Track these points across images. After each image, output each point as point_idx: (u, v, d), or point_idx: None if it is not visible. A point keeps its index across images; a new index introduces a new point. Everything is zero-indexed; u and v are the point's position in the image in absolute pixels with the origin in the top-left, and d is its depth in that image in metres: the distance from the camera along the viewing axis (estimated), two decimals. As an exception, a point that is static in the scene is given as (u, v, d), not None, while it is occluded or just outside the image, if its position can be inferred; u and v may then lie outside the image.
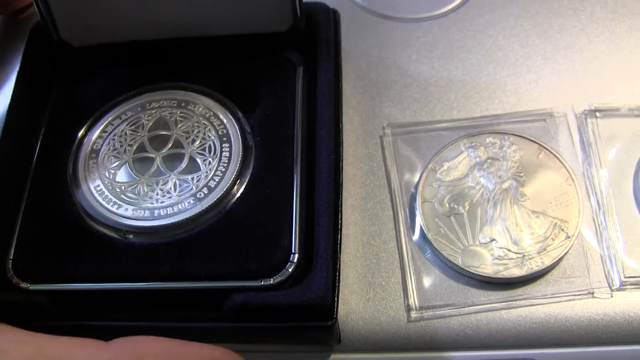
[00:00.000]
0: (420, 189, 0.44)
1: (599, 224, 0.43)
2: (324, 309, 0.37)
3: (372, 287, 0.42)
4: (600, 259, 0.42)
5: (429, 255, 0.43)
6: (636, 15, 0.51)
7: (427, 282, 0.42)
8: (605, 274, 0.41)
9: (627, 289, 0.41)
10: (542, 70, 0.49)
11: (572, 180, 0.44)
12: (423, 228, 0.43)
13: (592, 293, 0.41)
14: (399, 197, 0.44)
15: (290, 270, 0.37)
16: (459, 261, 0.41)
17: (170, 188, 0.40)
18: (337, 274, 0.38)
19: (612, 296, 0.41)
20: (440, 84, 0.49)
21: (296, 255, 0.38)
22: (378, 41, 0.51)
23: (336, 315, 0.37)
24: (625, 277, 0.41)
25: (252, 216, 0.39)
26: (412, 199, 0.44)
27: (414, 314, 0.41)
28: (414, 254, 0.43)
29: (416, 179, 0.45)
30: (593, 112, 0.46)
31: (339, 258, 0.39)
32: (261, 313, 0.37)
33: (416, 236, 0.43)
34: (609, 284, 0.41)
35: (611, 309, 0.41)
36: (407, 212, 0.44)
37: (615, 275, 0.41)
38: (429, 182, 0.44)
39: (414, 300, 0.41)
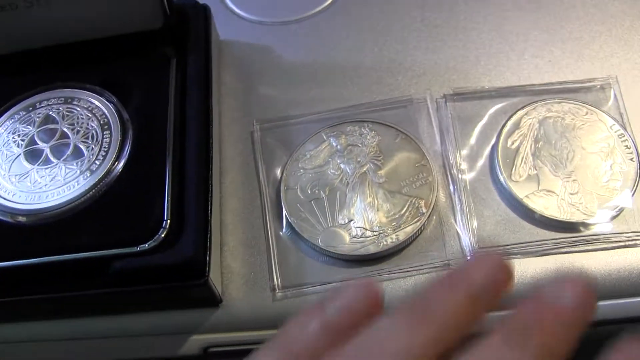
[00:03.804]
0: (284, 177, 0.48)
1: (455, 201, 0.46)
2: (194, 267, 0.41)
3: (247, 269, 0.45)
4: (457, 233, 0.45)
5: (292, 238, 0.46)
6: (489, 2, 0.55)
7: (290, 263, 0.45)
8: (460, 247, 0.44)
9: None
10: (403, 59, 0.52)
11: (428, 160, 0.47)
12: (286, 214, 0.46)
13: (449, 264, 0.44)
14: (265, 187, 0.48)
15: (162, 235, 0.41)
16: (319, 242, 0.45)
17: (57, 174, 0.45)
18: (208, 236, 0.42)
19: None
20: (307, 80, 0.52)
21: (167, 222, 0.42)
22: (254, 45, 0.55)
23: (208, 273, 0.41)
24: (479, 248, 0.44)
25: (129, 191, 0.44)
26: (278, 187, 0.48)
27: (278, 294, 0.44)
28: (279, 238, 0.46)
29: (281, 168, 0.48)
30: (451, 96, 0.50)
31: (210, 221, 0.43)
32: (139, 276, 0.41)
33: (281, 222, 0.46)
34: (464, 255, 0.44)
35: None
36: (274, 200, 0.47)
37: (469, 247, 0.44)
38: (292, 171, 0.48)
39: (277, 280, 0.44)
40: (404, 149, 0.48)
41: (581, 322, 0.27)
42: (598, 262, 0.43)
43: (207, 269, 0.41)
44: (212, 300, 0.44)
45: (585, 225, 0.44)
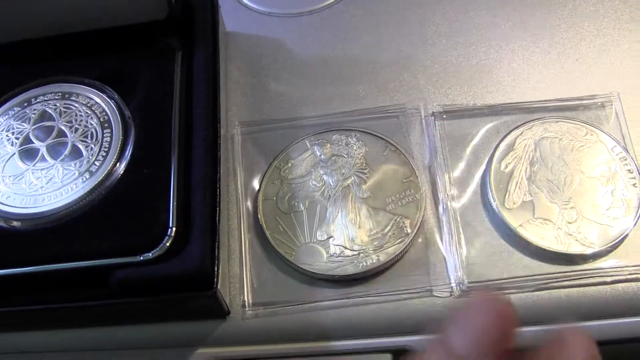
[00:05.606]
0: (262, 186, 0.45)
1: (442, 224, 0.43)
2: (202, 278, 0.38)
3: (229, 282, 0.42)
4: (443, 258, 0.42)
5: (267, 253, 0.43)
6: (492, 25, 0.52)
7: (262, 279, 0.42)
8: (447, 275, 0.41)
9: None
10: (402, 67, 0.50)
11: (417, 177, 0.44)
12: (262, 225, 0.43)
13: (431, 291, 0.41)
14: (242, 194, 0.45)
15: (167, 244, 0.39)
16: (294, 258, 0.42)
17: (54, 175, 0.42)
18: (216, 244, 0.39)
19: (451, 295, 0.41)
20: (317, 77, 0.50)
21: (173, 229, 0.39)
22: (262, 38, 0.52)
23: (217, 284, 0.38)
24: (469, 283, 0.41)
25: (132, 195, 0.41)
26: (255, 197, 0.45)
27: (248, 311, 0.41)
28: (253, 251, 0.43)
29: (260, 176, 0.45)
30: (440, 114, 0.46)
31: (218, 229, 0.40)
32: (143, 287, 0.38)
33: (256, 233, 0.43)
34: (450, 285, 0.41)
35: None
36: (251, 209, 0.44)
37: (457, 280, 0.41)
38: (271, 179, 0.45)
39: (247, 297, 0.42)
40: (392, 162, 0.45)
41: None
42: (597, 298, 0.40)
43: (216, 280, 0.38)
44: (219, 312, 0.41)
45: (584, 257, 0.41)
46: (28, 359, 0.42)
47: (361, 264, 0.41)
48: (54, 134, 0.44)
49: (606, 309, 0.40)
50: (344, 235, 0.42)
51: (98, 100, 0.44)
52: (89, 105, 0.44)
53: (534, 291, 0.40)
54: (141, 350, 0.42)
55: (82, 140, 0.43)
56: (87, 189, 0.41)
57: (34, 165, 0.43)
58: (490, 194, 0.43)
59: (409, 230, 0.42)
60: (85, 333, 0.42)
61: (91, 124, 0.44)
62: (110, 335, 0.42)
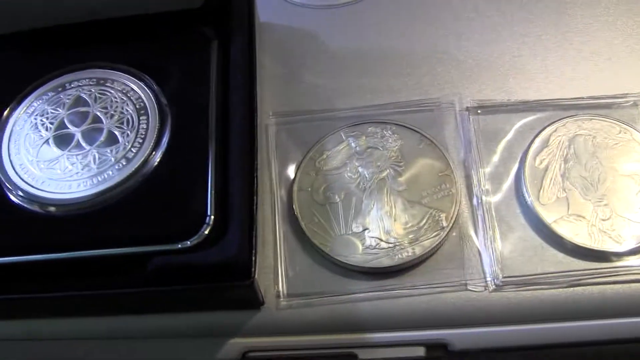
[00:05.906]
0: (297, 177, 0.45)
1: (477, 218, 0.43)
2: (241, 267, 0.38)
3: (263, 272, 0.42)
4: (478, 252, 0.42)
5: (302, 243, 0.43)
6: (526, 21, 0.52)
7: (297, 269, 0.42)
8: (482, 269, 0.41)
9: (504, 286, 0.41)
10: (436, 61, 0.50)
11: (452, 171, 0.44)
12: (297, 216, 0.43)
13: (466, 285, 0.41)
14: (276, 185, 0.45)
15: (205, 232, 0.38)
16: (329, 250, 0.42)
17: (90, 161, 0.42)
18: (254, 233, 0.39)
19: (486, 289, 0.41)
20: (349, 69, 0.50)
21: (211, 217, 0.39)
22: (296, 29, 0.52)
23: (254, 274, 0.38)
24: (503, 277, 0.41)
25: (169, 183, 0.41)
26: (290, 187, 0.45)
27: (282, 302, 0.41)
28: (288, 242, 0.43)
29: (295, 167, 0.45)
30: (474, 109, 0.47)
31: (256, 218, 0.39)
32: (180, 275, 0.38)
33: (290, 224, 0.43)
34: (484, 278, 0.41)
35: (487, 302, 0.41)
36: (285, 200, 0.44)
37: (492, 274, 0.41)
38: (306, 170, 0.45)
39: (282, 287, 0.41)
40: (427, 156, 0.45)
41: None
42: (631, 295, 0.40)
43: (254, 269, 0.38)
44: (254, 302, 0.41)
45: (618, 254, 0.41)
46: (61, 345, 0.42)
47: (397, 257, 0.41)
48: (89, 119, 0.43)
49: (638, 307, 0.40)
50: (379, 227, 0.42)
51: (134, 87, 0.44)
52: (124, 91, 0.44)
53: (567, 287, 0.40)
54: (174, 340, 0.42)
55: (118, 127, 0.43)
56: (124, 175, 0.41)
57: (69, 151, 0.42)
58: (525, 189, 0.43)
59: (445, 224, 0.42)
60: (119, 321, 0.42)
61: (127, 111, 0.43)
62: (143, 324, 0.42)
